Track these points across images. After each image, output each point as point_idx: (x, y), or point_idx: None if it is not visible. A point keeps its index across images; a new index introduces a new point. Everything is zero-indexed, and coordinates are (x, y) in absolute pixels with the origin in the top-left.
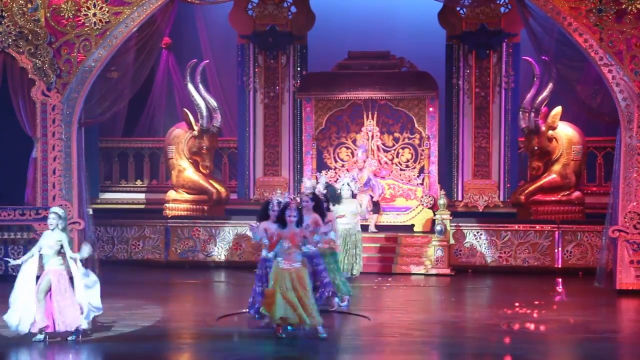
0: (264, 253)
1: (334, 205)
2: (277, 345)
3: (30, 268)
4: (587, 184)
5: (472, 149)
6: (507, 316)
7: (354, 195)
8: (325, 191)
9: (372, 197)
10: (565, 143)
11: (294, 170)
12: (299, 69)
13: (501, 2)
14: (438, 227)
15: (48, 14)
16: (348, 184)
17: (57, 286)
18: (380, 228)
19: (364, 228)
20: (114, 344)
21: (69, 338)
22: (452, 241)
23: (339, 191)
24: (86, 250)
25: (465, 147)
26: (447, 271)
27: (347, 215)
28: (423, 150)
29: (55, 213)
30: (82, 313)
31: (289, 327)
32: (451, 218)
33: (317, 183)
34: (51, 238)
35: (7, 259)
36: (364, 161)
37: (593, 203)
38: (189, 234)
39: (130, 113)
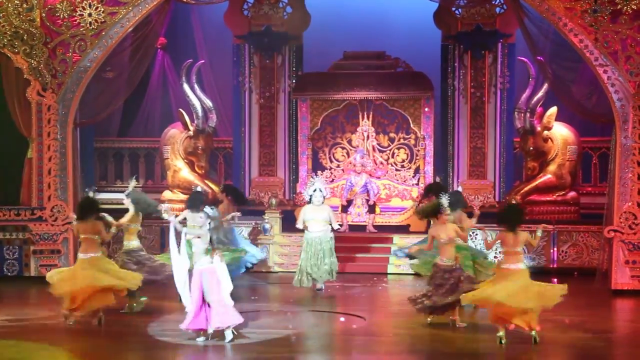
0: (439, 259)
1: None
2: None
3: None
4: (582, 184)
5: (467, 149)
6: None
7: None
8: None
9: (367, 200)
10: (561, 143)
11: (290, 170)
12: (294, 69)
13: (496, 3)
14: None
15: (43, 14)
16: (320, 190)
17: (206, 284)
18: (375, 228)
19: (362, 228)
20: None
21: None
22: None
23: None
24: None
25: (461, 148)
26: None
27: (318, 222)
28: (418, 151)
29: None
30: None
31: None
32: None
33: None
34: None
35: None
36: (362, 165)
37: (588, 203)
38: None
39: (125, 113)
